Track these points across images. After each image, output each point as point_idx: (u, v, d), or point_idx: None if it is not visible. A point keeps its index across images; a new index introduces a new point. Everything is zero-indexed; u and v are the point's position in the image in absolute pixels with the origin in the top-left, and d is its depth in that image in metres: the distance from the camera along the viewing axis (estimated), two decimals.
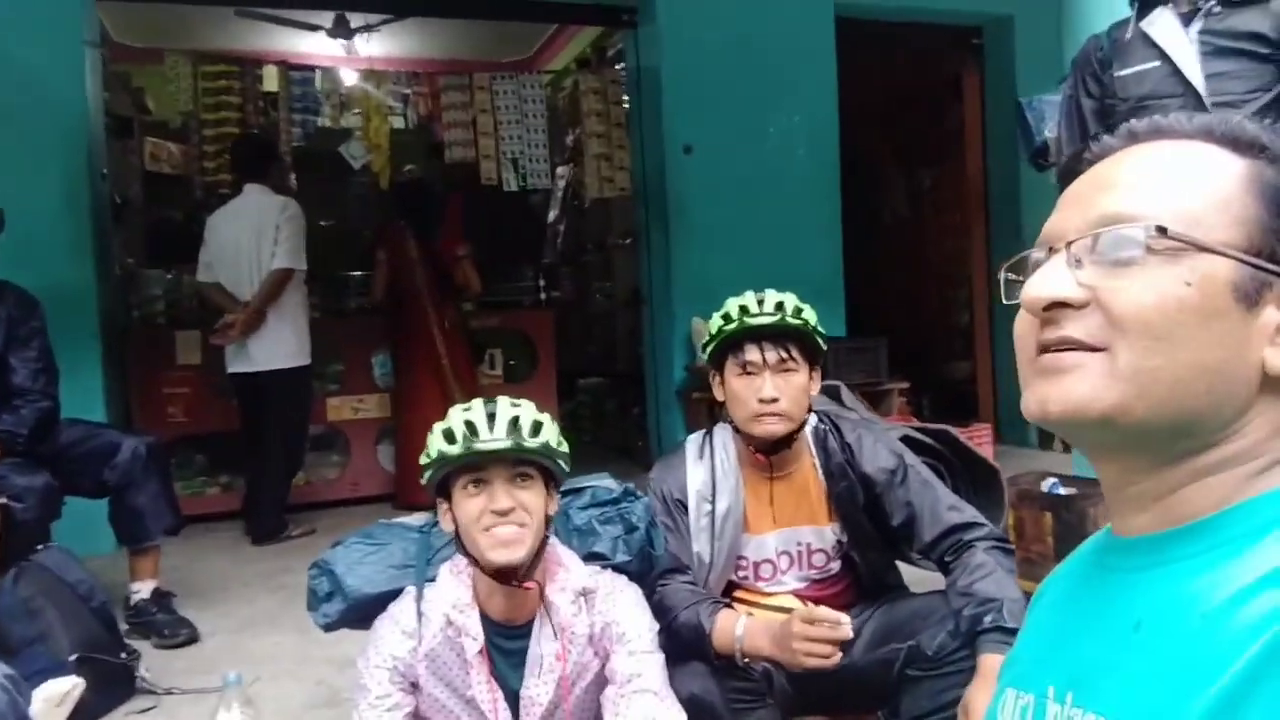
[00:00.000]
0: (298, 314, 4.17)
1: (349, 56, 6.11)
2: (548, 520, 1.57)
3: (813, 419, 1.93)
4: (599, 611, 1.61)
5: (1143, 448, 0.65)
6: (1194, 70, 1.99)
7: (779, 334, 1.80)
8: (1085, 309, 0.64)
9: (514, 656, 1.59)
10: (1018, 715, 0.71)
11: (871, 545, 1.95)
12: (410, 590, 1.62)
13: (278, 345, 4.08)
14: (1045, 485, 2.73)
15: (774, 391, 1.79)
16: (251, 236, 4.05)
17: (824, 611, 1.66)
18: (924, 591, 1.94)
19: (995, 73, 5.62)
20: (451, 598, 1.57)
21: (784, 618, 1.72)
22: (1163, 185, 0.65)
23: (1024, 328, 0.69)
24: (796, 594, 1.95)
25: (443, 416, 1.53)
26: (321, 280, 4.53)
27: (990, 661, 1.60)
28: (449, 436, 1.49)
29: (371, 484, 4.88)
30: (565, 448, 1.55)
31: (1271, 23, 1.96)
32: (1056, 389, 0.64)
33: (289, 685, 2.53)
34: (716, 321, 1.85)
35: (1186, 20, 2.03)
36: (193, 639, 2.91)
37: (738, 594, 1.95)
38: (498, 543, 1.48)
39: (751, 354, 1.81)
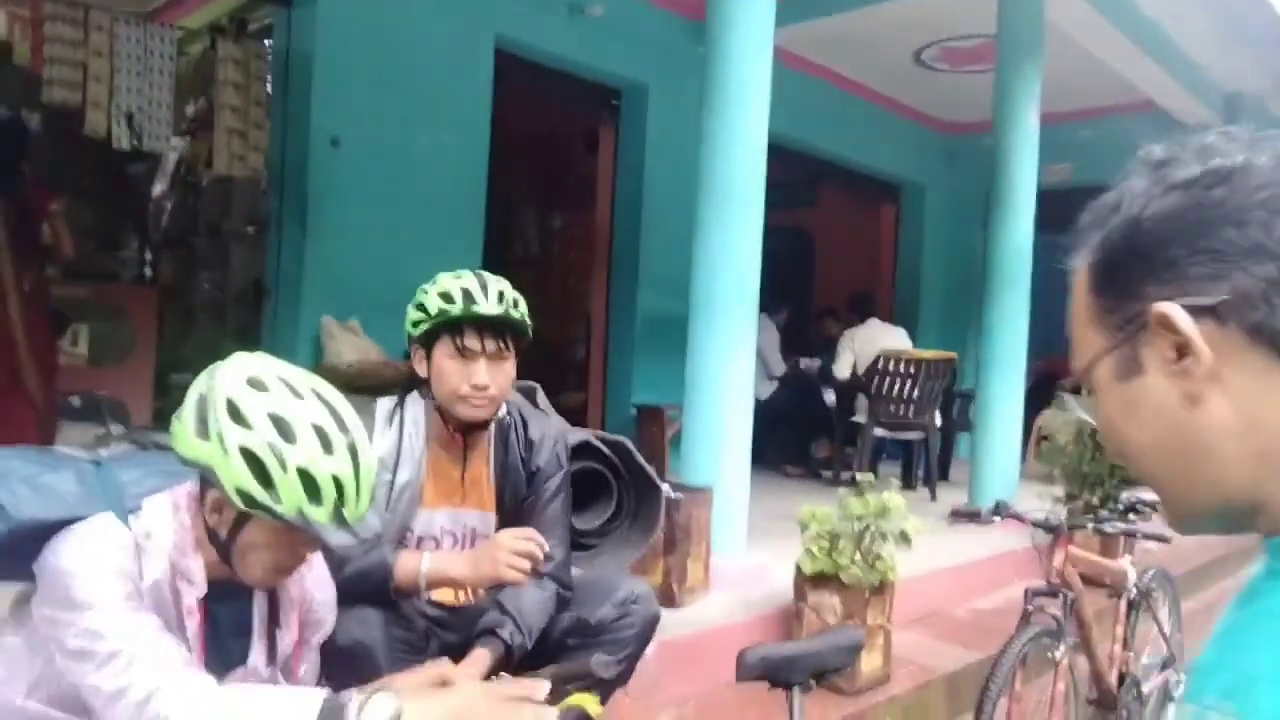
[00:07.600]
0: None
1: None
2: None
3: (501, 409, 1.99)
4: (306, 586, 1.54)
5: (1225, 517, 0.68)
6: None
7: (500, 325, 1.86)
8: None
9: (228, 616, 1.44)
10: None
11: None
12: (106, 515, 1.33)
13: None
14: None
15: (487, 379, 1.85)
16: None
17: (532, 532, 1.81)
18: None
19: (628, 133, 6.19)
20: (172, 536, 1.36)
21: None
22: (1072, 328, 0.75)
23: None
24: None
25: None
26: None
27: None
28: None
29: None
30: None
31: None
32: None
33: None
34: (435, 301, 1.84)
35: None
36: None
37: None
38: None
39: (471, 341, 1.85)
